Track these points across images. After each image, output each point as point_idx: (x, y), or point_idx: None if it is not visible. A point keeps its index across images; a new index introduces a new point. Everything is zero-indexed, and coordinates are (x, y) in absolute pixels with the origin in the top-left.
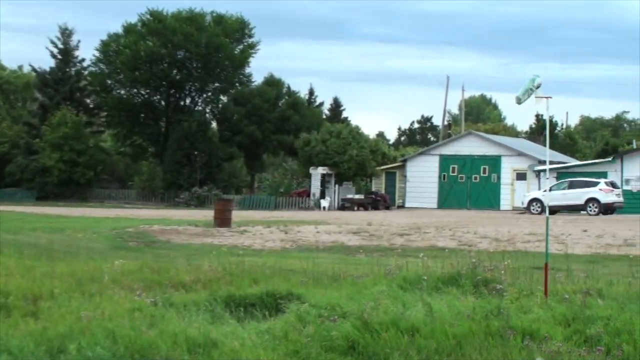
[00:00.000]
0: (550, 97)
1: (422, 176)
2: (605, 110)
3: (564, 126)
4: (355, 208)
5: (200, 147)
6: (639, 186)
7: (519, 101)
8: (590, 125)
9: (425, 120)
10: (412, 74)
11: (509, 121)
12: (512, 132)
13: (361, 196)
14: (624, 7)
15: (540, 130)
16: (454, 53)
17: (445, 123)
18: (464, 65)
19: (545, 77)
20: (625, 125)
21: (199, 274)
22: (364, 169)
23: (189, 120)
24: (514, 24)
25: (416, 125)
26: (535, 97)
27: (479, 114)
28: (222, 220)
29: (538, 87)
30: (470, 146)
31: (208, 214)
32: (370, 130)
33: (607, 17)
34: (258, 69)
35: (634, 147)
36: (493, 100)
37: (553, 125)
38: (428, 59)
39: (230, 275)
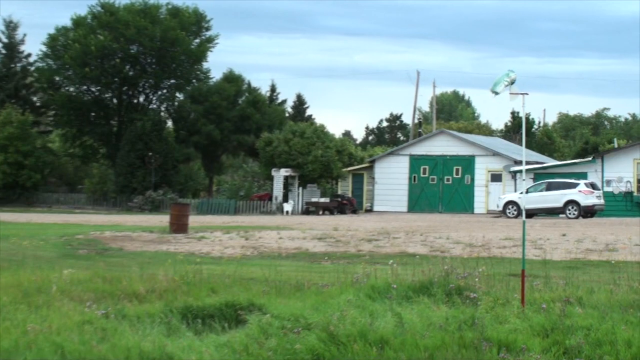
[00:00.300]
0: (527, 94)
1: (392, 178)
2: (585, 107)
3: (541, 124)
4: (321, 212)
5: (155, 148)
6: (621, 187)
7: (495, 93)
8: (569, 123)
9: (395, 119)
10: (380, 69)
11: (483, 119)
12: (486, 130)
13: (327, 199)
14: None
15: (516, 129)
16: (424, 47)
17: (416, 121)
18: (435, 59)
19: (521, 72)
20: (605, 122)
21: (153, 283)
22: (330, 170)
23: (143, 120)
24: (488, 16)
25: (385, 124)
26: (510, 93)
27: (452, 111)
28: (179, 225)
29: (512, 82)
30: (442, 146)
31: (163, 220)
32: (336, 129)
33: (586, 9)
34: (216, 65)
35: (615, 146)
36: (466, 97)
37: (530, 123)
38: (397, 54)
39: (187, 284)
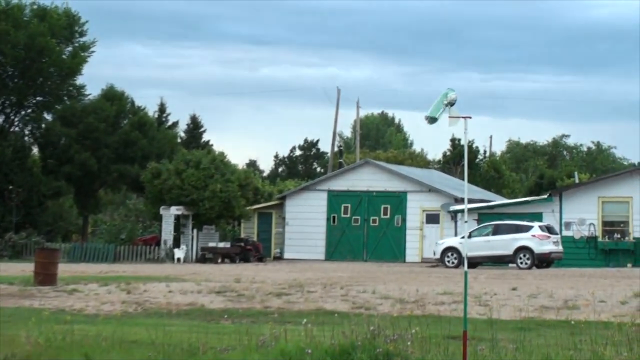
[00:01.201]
0: (469, 117)
1: (306, 218)
2: (540, 133)
3: (487, 154)
4: (220, 260)
5: (17, 180)
6: (583, 232)
7: (431, 120)
8: (520, 153)
9: (310, 146)
10: (293, 85)
11: (417, 147)
12: (421, 161)
13: (227, 244)
14: (561, 1)
15: (456, 159)
16: (346, 59)
17: (336, 149)
18: (359, 75)
19: (462, 91)
20: (564, 152)
21: (13, 347)
22: (231, 208)
23: (2, 145)
24: (422, 22)
25: (298, 153)
26: (450, 116)
27: (379, 137)
28: (45, 276)
29: (452, 104)
30: (367, 180)
31: (26, 268)
32: (239, 159)
33: (541, 15)
34: (93, 79)
35: (576, 181)
36: (397, 120)
37: (473, 152)
38: (314, 67)
39: (55, 349)
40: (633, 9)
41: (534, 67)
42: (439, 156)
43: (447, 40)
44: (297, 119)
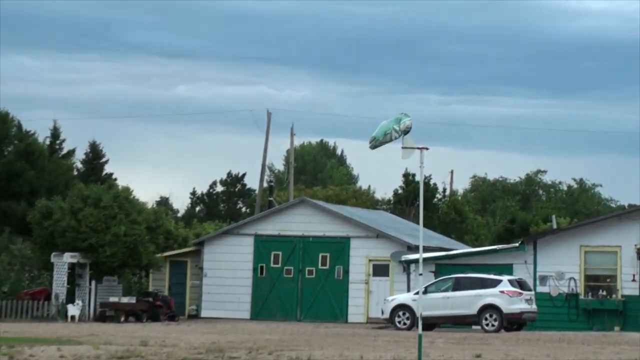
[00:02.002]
0: (426, 148)
1: (228, 268)
2: (510, 168)
3: (447, 192)
4: (123, 318)
5: None
6: (562, 287)
7: (374, 144)
8: (487, 192)
9: (235, 181)
10: (214, 107)
11: (363, 183)
12: (368, 200)
13: (132, 299)
14: (538, 11)
15: (410, 199)
16: (279, 76)
17: (265, 185)
18: (294, 95)
19: (419, 116)
20: (540, 192)
21: None
22: (137, 256)
23: None
24: (372, 34)
25: (220, 189)
26: (403, 147)
27: (318, 171)
28: None
29: (406, 131)
30: (302, 222)
31: None
32: (147, 196)
33: (512, 25)
34: None
35: (554, 226)
36: (339, 151)
37: (430, 190)
38: (240, 85)
39: None
40: (621, 21)
41: (503, 88)
42: (389, 195)
43: (400, 56)
44: (220, 148)
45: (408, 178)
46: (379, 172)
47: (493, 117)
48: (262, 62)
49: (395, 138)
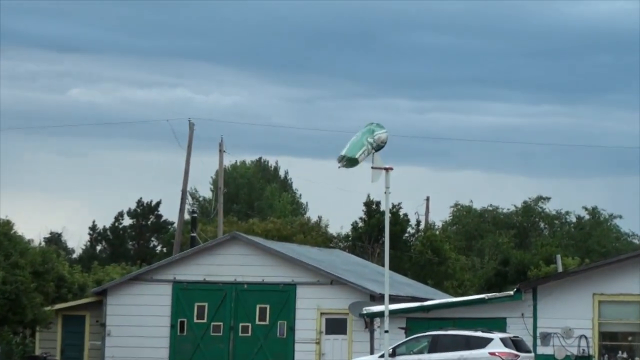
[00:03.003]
0: (390, 168)
1: (139, 325)
2: (504, 194)
3: (422, 225)
4: None
5: None
6: (570, 347)
7: (350, 163)
8: (473, 225)
9: (147, 211)
10: (120, 115)
11: (313, 213)
12: (319, 236)
13: None
14: None
15: (374, 234)
16: (204, 77)
17: (187, 217)
18: (222, 101)
19: (386, 127)
20: (541, 224)
21: None
22: (20, 310)
23: None
24: (324, 23)
25: (128, 222)
26: (373, 167)
27: (254, 198)
28: None
29: (380, 146)
30: (235, 264)
31: None
32: (33, 232)
33: (507, 13)
34: None
35: (560, 269)
36: (282, 172)
37: (400, 223)
38: (153, 88)
39: None
40: None
41: (495, 91)
42: (346, 229)
43: (360, 50)
44: (127, 169)
45: (371, 207)
46: (333, 199)
47: (481, 128)
48: (182, 57)
49: (370, 154)
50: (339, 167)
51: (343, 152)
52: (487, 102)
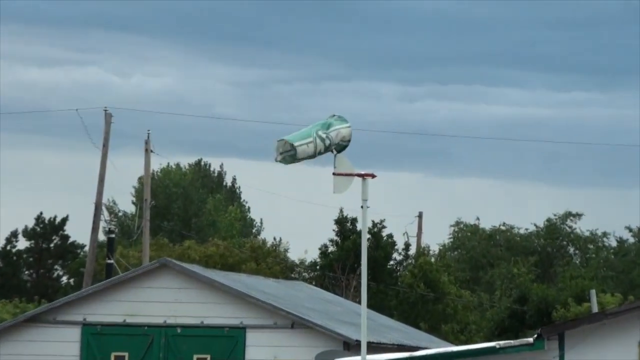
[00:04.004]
0: (372, 175)
1: None
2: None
3: (413, 250)
4: None
5: None
6: None
7: (283, 154)
8: (480, 250)
9: (49, 230)
10: (10, 102)
11: (268, 233)
12: (276, 265)
13: None
14: None
15: (349, 261)
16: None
17: (102, 238)
18: (148, 85)
19: (363, 122)
20: (570, 249)
21: None
22: None
23: None
24: None
25: (23, 245)
26: (335, 172)
27: (192, 213)
28: None
29: (342, 146)
30: (165, 301)
31: None
32: None
33: None
34: None
35: (594, 308)
36: (227, 179)
37: (383, 247)
38: (54, 66)
39: None
40: None
41: (508, 72)
42: (313, 253)
43: (332, 18)
44: (23, 175)
45: (345, 226)
46: (296, 215)
47: (490, 122)
48: (93, 26)
49: (320, 153)
50: (276, 159)
51: (284, 138)
52: (498, 87)
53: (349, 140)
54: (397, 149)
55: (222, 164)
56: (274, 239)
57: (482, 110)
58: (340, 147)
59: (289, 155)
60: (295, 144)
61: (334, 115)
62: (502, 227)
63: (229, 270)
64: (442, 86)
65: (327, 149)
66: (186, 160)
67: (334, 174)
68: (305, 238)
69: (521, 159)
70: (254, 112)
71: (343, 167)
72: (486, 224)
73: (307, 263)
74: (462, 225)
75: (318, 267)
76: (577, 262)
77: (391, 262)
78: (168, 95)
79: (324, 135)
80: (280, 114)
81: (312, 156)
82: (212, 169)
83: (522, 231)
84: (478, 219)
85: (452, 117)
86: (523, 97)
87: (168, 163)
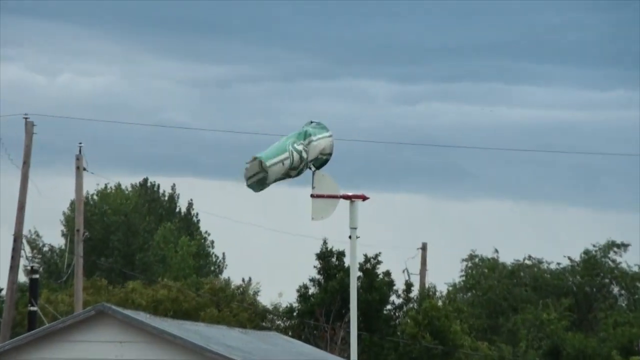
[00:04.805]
0: (363, 198)
1: None
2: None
3: (416, 292)
4: None
5: None
6: None
7: (254, 178)
8: (500, 290)
9: None
10: None
11: (233, 271)
12: (244, 310)
13: None
14: None
15: (335, 305)
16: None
17: (24, 279)
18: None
19: (351, 128)
20: (614, 288)
21: None
22: None
23: None
24: None
25: None
26: (314, 194)
27: (138, 247)
28: None
29: (322, 162)
30: (104, 358)
31: None
32: None
33: None
34: None
35: None
36: (182, 203)
37: (379, 288)
38: None
39: None
40: None
41: (534, 67)
42: (290, 296)
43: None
44: None
45: (329, 261)
46: (267, 248)
47: (510, 129)
48: (11, 14)
49: (300, 172)
50: (247, 184)
51: (256, 155)
52: (520, 85)
53: (329, 154)
54: (394, 163)
55: (174, 185)
56: (242, 280)
57: (501, 114)
58: (320, 162)
59: (261, 178)
60: (268, 163)
61: (312, 122)
62: (528, 262)
63: (184, 318)
64: (449, 84)
65: (305, 165)
66: (129, 181)
67: (312, 195)
68: (279, 277)
69: (550, 175)
70: (213, 119)
71: (324, 187)
72: (507, 258)
73: (282, 309)
74: (477, 260)
75: (296, 313)
76: (624, 304)
77: (388, 307)
78: (105, 99)
79: (300, 148)
80: (246, 122)
81: (290, 175)
82: (161, 190)
83: (552, 266)
84: (497, 251)
85: (463, 123)
86: (551, 97)
87: (106, 184)
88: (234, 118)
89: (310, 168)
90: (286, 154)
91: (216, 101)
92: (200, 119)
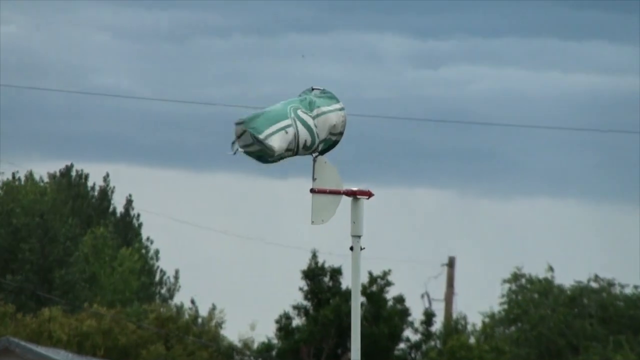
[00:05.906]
0: (368, 195)
1: None
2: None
3: (437, 321)
4: None
5: None
6: None
7: (244, 141)
8: (555, 322)
9: None
10: None
11: (187, 294)
12: (203, 348)
13: None
14: None
15: (329, 342)
16: None
17: None
18: None
19: (358, 106)
20: None
21: None
22: None
23: None
24: None
25: None
26: (315, 189)
27: (57, 260)
28: None
29: (331, 143)
30: None
31: None
32: None
33: None
34: None
35: None
36: (118, 200)
37: (387, 318)
38: None
39: None
40: None
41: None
42: (266, 328)
43: None
44: None
45: (320, 282)
46: (235, 263)
47: (567, 102)
48: None
49: (306, 148)
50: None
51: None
52: (580, 41)
53: (340, 133)
54: (410, 148)
55: (107, 175)
56: (197, 306)
57: (554, 82)
58: (328, 143)
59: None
60: (262, 135)
61: (313, 90)
62: (594, 284)
63: (120, 357)
64: (483, 40)
65: (313, 143)
66: (45, 169)
67: (312, 190)
68: (252, 303)
69: (625, 165)
70: (162, 86)
71: (326, 179)
72: (566, 279)
73: (255, 346)
74: (523, 281)
75: (275, 352)
76: None
77: (401, 345)
78: (12, 56)
79: (305, 117)
80: (209, 89)
81: (292, 152)
82: (90, 182)
83: (627, 291)
84: (551, 269)
85: (503, 93)
86: (623, 59)
87: (13, 173)
88: (192, 85)
89: (312, 153)
90: (288, 121)
91: (167, 61)
92: (145, 85)
